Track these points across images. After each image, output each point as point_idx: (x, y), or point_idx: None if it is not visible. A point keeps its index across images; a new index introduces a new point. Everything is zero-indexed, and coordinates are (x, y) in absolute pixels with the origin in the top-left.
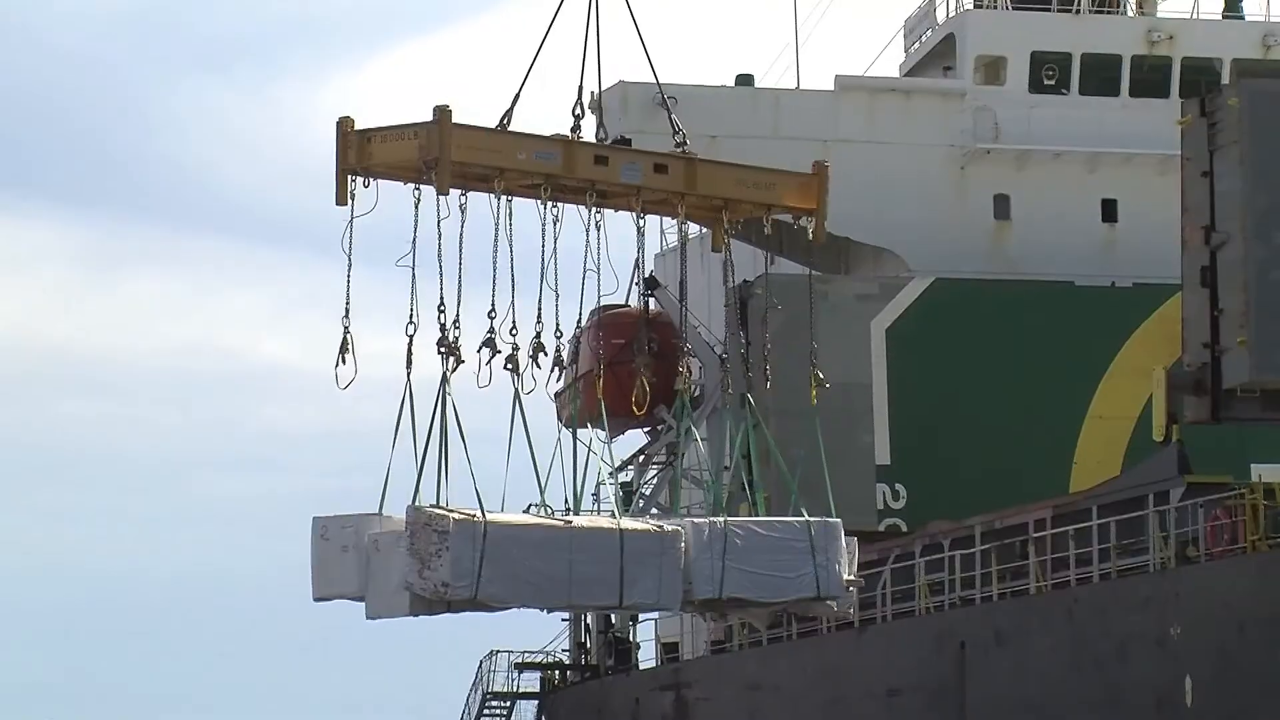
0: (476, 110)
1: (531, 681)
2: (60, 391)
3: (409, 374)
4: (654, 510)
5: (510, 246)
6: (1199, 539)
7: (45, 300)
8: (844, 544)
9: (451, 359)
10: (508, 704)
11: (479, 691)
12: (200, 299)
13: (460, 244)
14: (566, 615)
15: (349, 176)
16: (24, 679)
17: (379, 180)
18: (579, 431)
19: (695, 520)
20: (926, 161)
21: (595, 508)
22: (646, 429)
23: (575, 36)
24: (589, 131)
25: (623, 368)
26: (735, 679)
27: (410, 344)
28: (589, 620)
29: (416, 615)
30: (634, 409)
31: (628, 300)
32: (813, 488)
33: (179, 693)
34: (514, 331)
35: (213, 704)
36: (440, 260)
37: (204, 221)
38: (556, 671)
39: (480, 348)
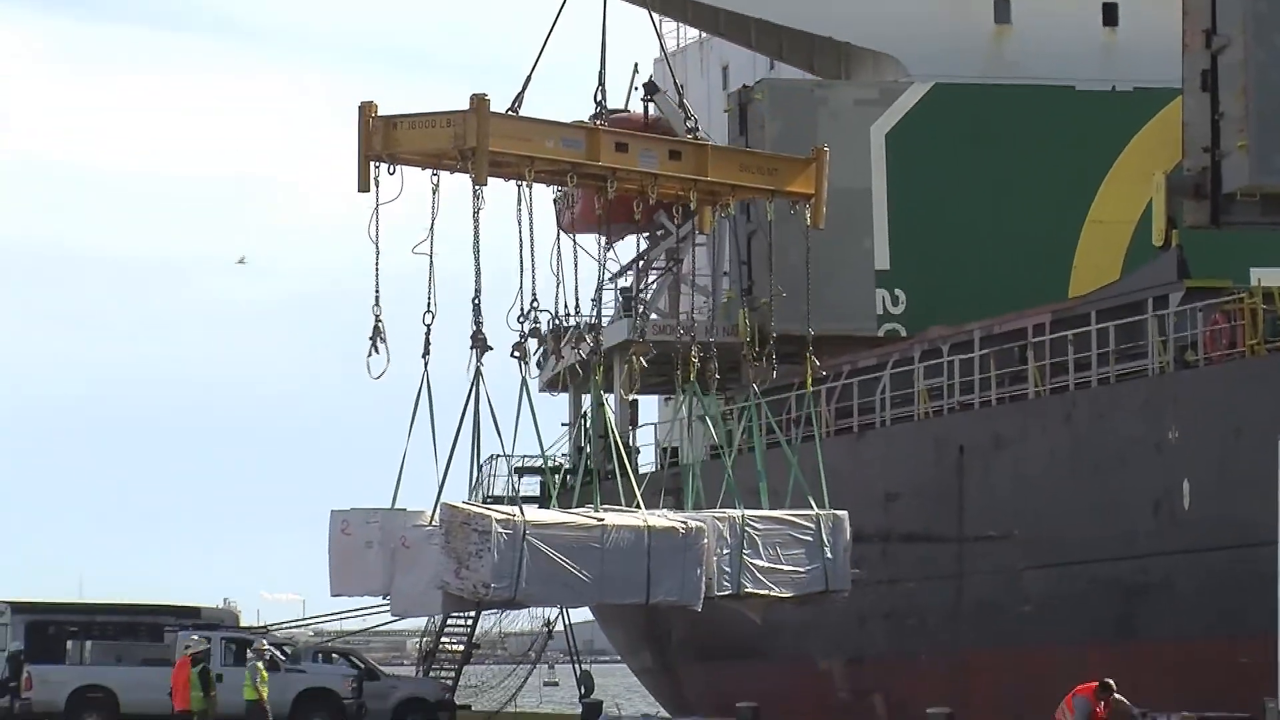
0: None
1: (531, 486)
2: (47, 199)
3: (426, 363)
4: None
5: (522, 234)
6: (1198, 343)
7: (22, 104)
8: (848, 534)
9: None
10: None
11: (478, 495)
12: (185, 104)
13: (476, 231)
14: (566, 420)
15: (371, 163)
16: (25, 478)
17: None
18: (576, 239)
19: (715, 514)
20: None
21: (595, 313)
22: (646, 234)
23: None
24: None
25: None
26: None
27: (428, 333)
28: (588, 424)
29: (448, 614)
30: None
31: (626, 105)
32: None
33: (178, 491)
34: (522, 319)
35: (213, 499)
36: (476, 254)
37: (187, 23)
38: (556, 475)
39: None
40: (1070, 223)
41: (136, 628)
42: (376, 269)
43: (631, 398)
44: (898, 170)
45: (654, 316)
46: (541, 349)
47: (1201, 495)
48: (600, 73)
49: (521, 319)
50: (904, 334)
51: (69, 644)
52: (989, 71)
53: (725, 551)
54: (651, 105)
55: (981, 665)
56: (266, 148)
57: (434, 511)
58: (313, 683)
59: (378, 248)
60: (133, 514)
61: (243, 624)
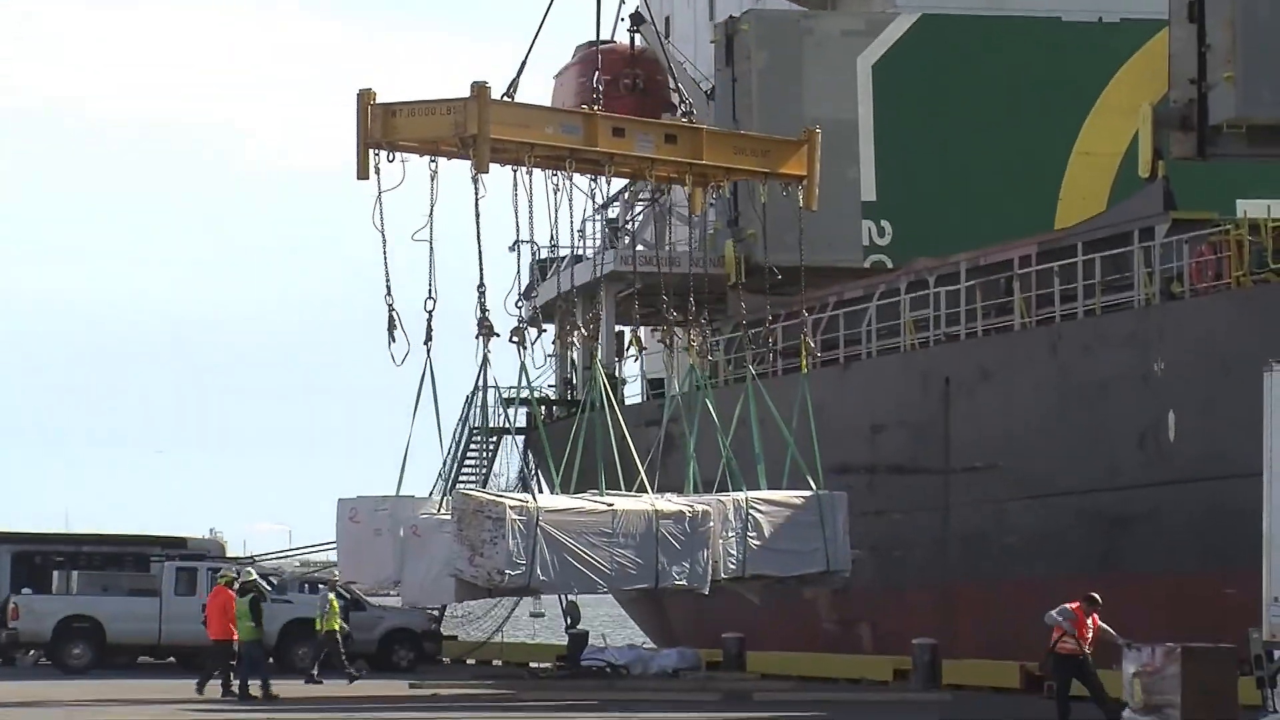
0: None
1: (519, 416)
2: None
3: (429, 350)
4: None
5: (519, 220)
6: (1184, 275)
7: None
8: (846, 515)
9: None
10: (494, 439)
11: (465, 426)
12: (164, 43)
13: (477, 218)
14: (552, 350)
15: (370, 151)
16: (9, 410)
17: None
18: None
19: (720, 497)
20: None
21: (581, 244)
22: None
23: None
24: None
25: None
26: (721, 414)
27: (430, 320)
28: (575, 356)
29: (461, 601)
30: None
31: (613, 36)
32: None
33: (163, 423)
34: (519, 304)
35: (198, 430)
36: (479, 242)
37: None
38: (543, 407)
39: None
40: (1057, 154)
41: (123, 558)
42: (385, 259)
43: (618, 329)
44: (884, 101)
45: (640, 248)
46: (530, 279)
47: (1187, 427)
48: (597, 60)
49: (519, 304)
50: (890, 265)
51: (55, 574)
52: (976, 2)
53: (730, 534)
54: (638, 36)
55: (967, 597)
56: (245, 93)
57: (441, 501)
58: (299, 613)
59: (384, 235)
60: (118, 446)
61: (229, 554)
